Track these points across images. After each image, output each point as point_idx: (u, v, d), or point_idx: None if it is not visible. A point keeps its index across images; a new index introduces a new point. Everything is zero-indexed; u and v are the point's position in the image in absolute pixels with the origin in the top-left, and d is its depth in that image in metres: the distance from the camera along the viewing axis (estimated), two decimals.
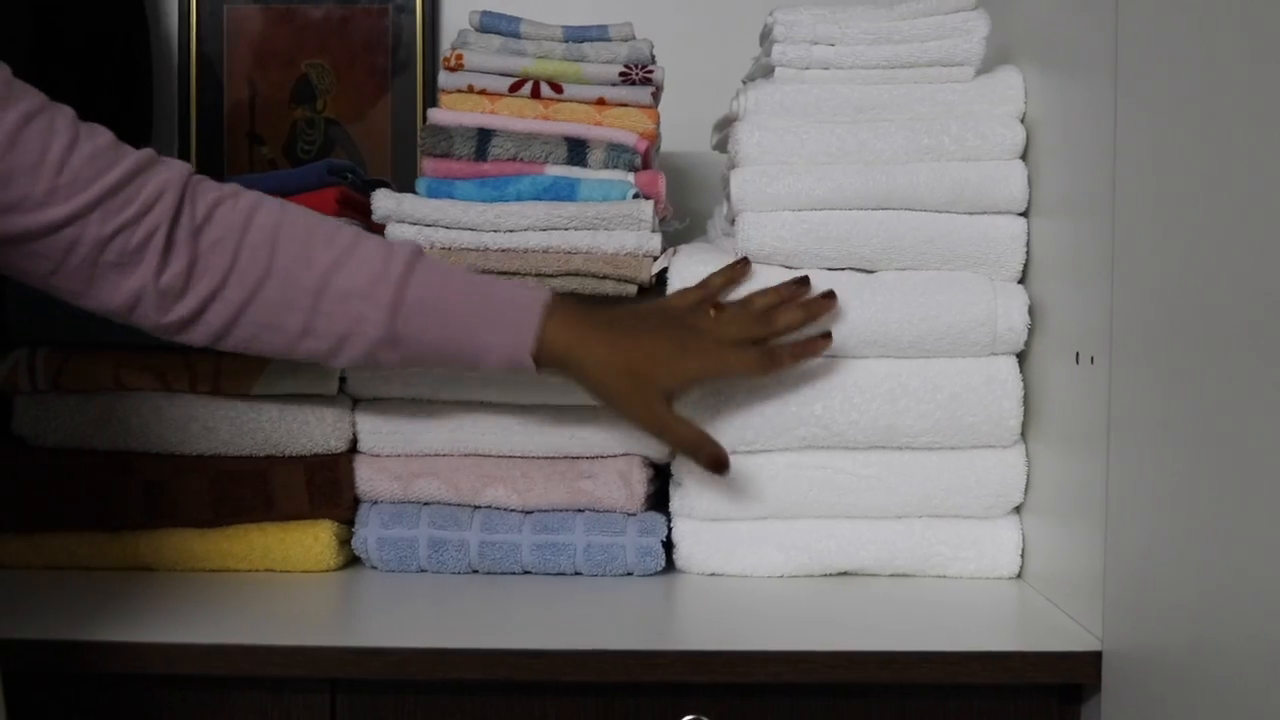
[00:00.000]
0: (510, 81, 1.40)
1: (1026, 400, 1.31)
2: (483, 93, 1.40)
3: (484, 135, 1.38)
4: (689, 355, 1.23)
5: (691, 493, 1.32)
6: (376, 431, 1.35)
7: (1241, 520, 0.87)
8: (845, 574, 1.34)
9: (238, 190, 1.17)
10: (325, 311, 1.15)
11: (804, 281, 1.28)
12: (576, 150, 1.38)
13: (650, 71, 1.40)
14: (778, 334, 1.26)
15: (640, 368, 1.21)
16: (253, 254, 1.13)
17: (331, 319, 1.15)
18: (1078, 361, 1.18)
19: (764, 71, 1.38)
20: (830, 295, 1.27)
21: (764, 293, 1.28)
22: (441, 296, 1.18)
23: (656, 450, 1.34)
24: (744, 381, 1.29)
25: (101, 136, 1.08)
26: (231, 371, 1.33)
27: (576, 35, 1.42)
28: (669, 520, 1.35)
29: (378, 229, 1.38)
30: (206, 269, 1.12)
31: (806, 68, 1.34)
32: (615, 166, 1.38)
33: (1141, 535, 1.04)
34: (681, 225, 1.49)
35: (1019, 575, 1.33)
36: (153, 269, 1.10)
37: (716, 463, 1.24)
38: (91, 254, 1.07)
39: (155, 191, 1.09)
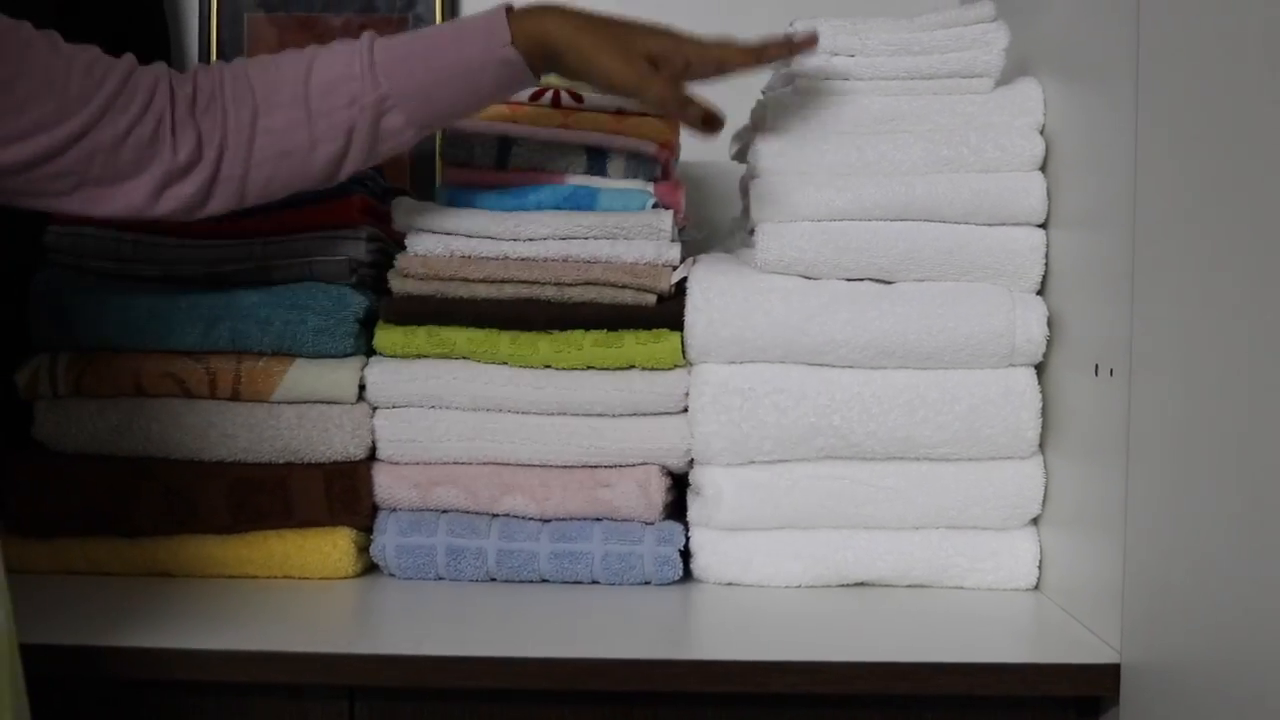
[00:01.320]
0: (531, 91, 1.40)
1: (1045, 412, 1.31)
2: (503, 101, 1.40)
3: (504, 144, 1.39)
4: (670, 31, 1.24)
5: (710, 502, 1.32)
6: (395, 439, 1.35)
7: (1262, 533, 0.87)
8: (862, 584, 1.34)
9: (205, 65, 1.24)
10: (320, 111, 1.20)
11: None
12: (596, 160, 1.38)
13: None
14: (764, 48, 1.26)
15: (618, 28, 1.23)
16: (236, 100, 1.19)
17: (330, 115, 1.20)
18: (1097, 374, 1.18)
19: (784, 82, 1.39)
20: (814, 38, 1.29)
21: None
22: (412, 42, 1.23)
23: (675, 460, 1.34)
24: None
25: (90, 50, 1.14)
26: (250, 377, 1.33)
27: None
28: (687, 529, 1.35)
29: (398, 237, 1.39)
30: (210, 132, 1.18)
31: (826, 79, 1.34)
32: (635, 176, 1.38)
33: (1160, 548, 1.04)
34: (700, 235, 1.50)
35: (1036, 587, 1.33)
36: (169, 150, 1.16)
37: (707, 122, 1.23)
38: (111, 156, 1.13)
39: (149, 86, 1.16)
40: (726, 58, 1.24)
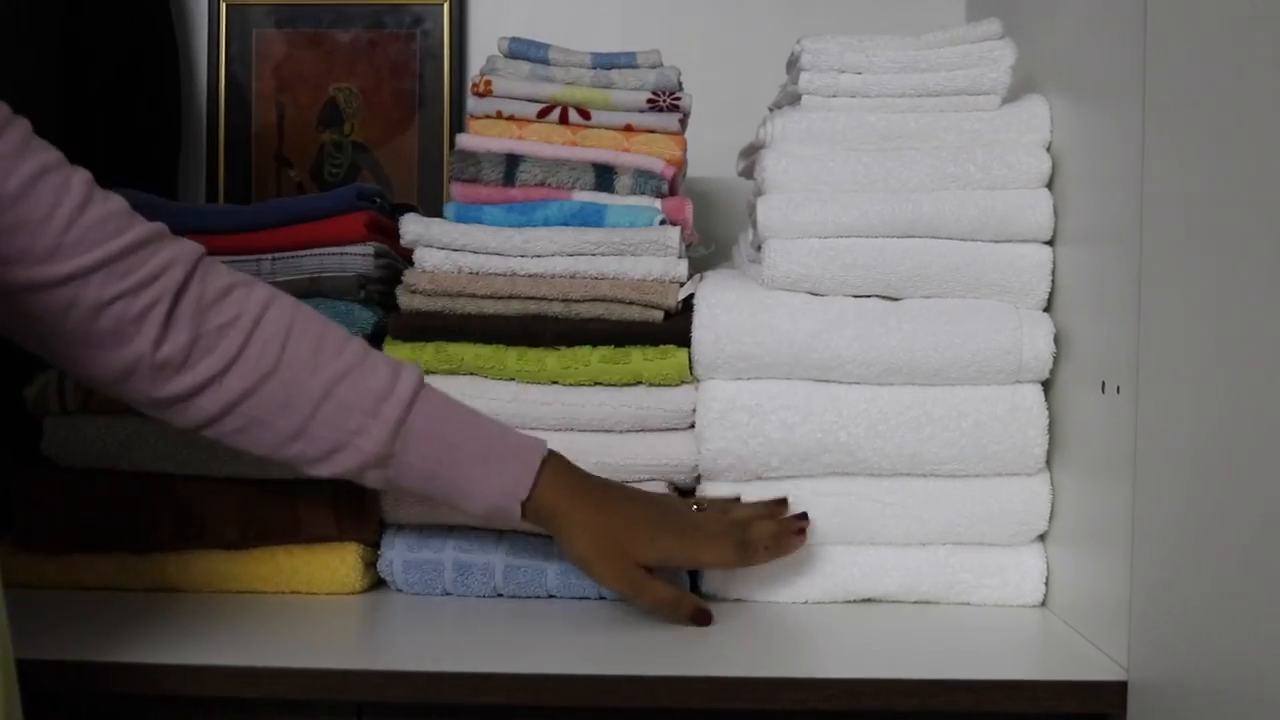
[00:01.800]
0: (538, 107, 1.41)
1: (1052, 429, 1.31)
2: (511, 118, 1.41)
3: (512, 161, 1.39)
4: (668, 533, 1.24)
5: None
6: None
7: (1269, 550, 0.87)
8: (869, 601, 1.34)
9: (252, 280, 1.16)
10: (324, 418, 1.14)
11: (782, 502, 1.30)
12: (604, 176, 1.39)
13: (678, 98, 1.41)
14: (751, 541, 1.25)
15: (620, 535, 1.22)
16: (263, 346, 1.13)
17: (329, 427, 1.15)
18: (1103, 391, 1.18)
19: (791, 99, 1.39)
20: (804, 518, 1.27)
21: (744, 505, 1.30)
22: (445, 428, 1.19)
23: (682, 476, 1.34)
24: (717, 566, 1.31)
25: (115, 202, 1.08)
26: None
27: (605, 62, 1.43)
28: None
29: (405, 253, 1.39)
30: (210, 350, 1.11)
31: (833, 95, 1.34)
32: (642, 192, 1.39)
33: (1167, 564, 1.04)
34: (708, 251, 1.50)
35: (1043, 603, 1.33)
36: (150, 340, 1.08)
37: (699, 615, 1.24)
38: (88, 317, 1.06)
39: (162, 264, 1.09)
40: (718, 562, 1.27)
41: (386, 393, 1.16)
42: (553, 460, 1.22)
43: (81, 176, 1.07)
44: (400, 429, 1.16)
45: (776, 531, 1.26)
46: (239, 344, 1.12)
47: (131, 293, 1.07)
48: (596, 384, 1.33)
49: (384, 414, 1.15)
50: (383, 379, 1.16)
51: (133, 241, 1.07)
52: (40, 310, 1.05)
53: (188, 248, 1.12)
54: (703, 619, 1.24)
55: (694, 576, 1.34)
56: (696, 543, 1.25)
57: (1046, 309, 1.33)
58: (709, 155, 1.58)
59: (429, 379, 1.32)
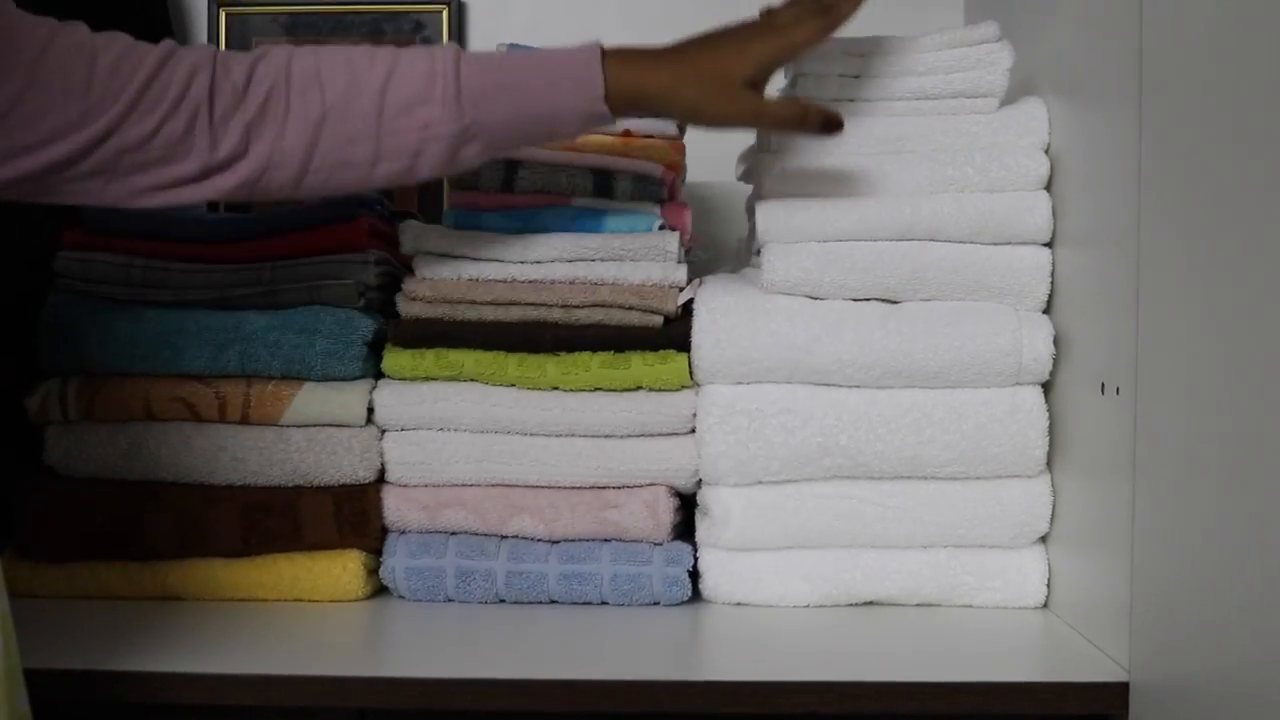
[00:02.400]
0: None
1: (1052, 431, 1.31)
2: None
3: (511, 167, 1.39)
4: (750, 37, 1.22)
5: (717, 523, 1.32)
6: (404, 462, 1.35)
7: (1269, 550, 0.88)
8: (871, 604, 1.34)
9: (266, 49, 1.17)
10: (391, 130, 1.16)
11: None
12: (602, 182, 1.39)
13: None
14: (837, 11, 1.22)
15: (711, 67, 1.20)
16: (303, 99, 1.14)
17: (399, 135, 1.16)
18: (1103, 392, 1.18)
19: None
20: None
21: None
22: (500, 75, 1.18)
23: (683, 481, 1.34)
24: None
25: (119, 40, 1.10)
26: (260, 401, 1.34)
27: None
28: (695, 550, 1.35)
29: (405, 260, 1.40)
30: (262, 129, 1.14)
31: (832, 99, 1.34)
32: (641, 198, 1.39)
33: (1168, 565, 1.04)
34: (707, 256, 1.50)
35: (1045, 605, 1.33)
36: (206, 146, 1.12)
37: (829, 122, 1.23)
38: (141, 154, 1.10)
39: (185, 76, 1.11)
40: (810, 39, 1.22)
41: (431, 75, 1.16)
42: (613, 51, 1.20)
43: (80, 33, 1.08)
44: (460, 98, 1.16)
45: None
46: (282, 109, 1.14)
47: (169, 115, 1.10)
48: (597, 389, 1.33)
49: (439, 93, 1.16)
50: (421, 67, 1.16)
51: (150, 70, 1.09)
52: (93, 168, 1.08)
53: (200, 51, 1.14)
54: (835, 125, 1.23)
55: (694, 581, 1.34)
56: (782, 32, 1.22)
57: (1046, 311, 1.33)
58: (708, 159, 1.58)
59: (428, 385, 1.33)
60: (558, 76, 1.18)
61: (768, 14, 1.24)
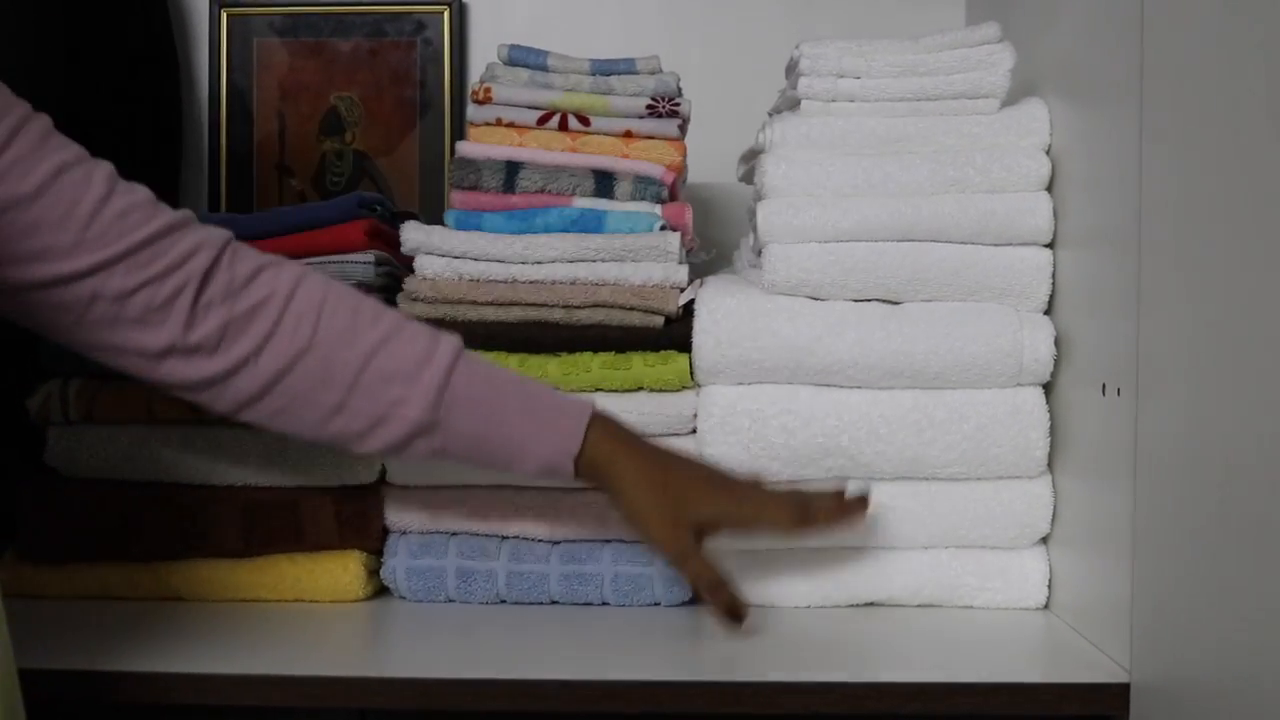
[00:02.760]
0: (538, 114, 1.41)
1: (1053, 431, 1.31)
2: (511, 125, 1.41)
3: (512, 168, 1.39)
4: (725, 490, 1.22)
5: None
6: (405, 463, 1.35)
7: (1270, 551, 0.87)
8: (871, 604, 1.34)
9: (282, 260, 1.14)
10: (364, 390, 1.11)
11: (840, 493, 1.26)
12: (604, 182, 1.39)
13: (677, 104, 1.41)
14: (811, 506, 1.22)
15: (676, 489, 1.19)
16: (296, 323, 1.10)
17: (370, 399, 1.12)
18: (1104, 393, 1.18)
19: (790, 104, 1.39)
20: (865, 500, 1.24)
21: (804, 486, 1.27)
22: (488, 390, 1.16)
23: None
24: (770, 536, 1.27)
25: (138, 193, 1.07)
26: None
27: (604, 68, 1.43)
28: None
29: (406, 261, 1.39)
30: (243, 332, 1.09)
31: (832, 100, 1.35)
32: (642, 198, 1.39)
33: (1169, 567, 1.04)
34: (708, 257, 1.50)
35: (1046, 606, 1.33)
36: (180, 325, 1.06)
37: (733, 611, 1.19)
38: (114, 308, 1.05)
39: (188, 249, 1.07)
40: (776, 523, 1.22)
41: (426, 359, 1.13)
42: (602, 417, 1.19)
43: (103, 170, 1.05)
44: (443, 394, 1.13)
45: (838, 502, 1.23)
46: (271, 322, 1.09)
47: (156, 280, 1.05)
48: (598, 390, 1.33)
49: (425, 380, 1.12)
50: (421, 346, 1.14)
51: (156, 230, 1.06)
52: (66, 301, 1.04)
53: (215, 233, 1.10)
54: (737, 613, 1.19)
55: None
56: (755, 502, 1.22)
57: (1047, 312, 1.33)
58: (709, 161, 1.58)
59: None
60: (541, 419, 1.17)
61: (754, 485, 1.24)
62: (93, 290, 1.04)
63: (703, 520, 1.20)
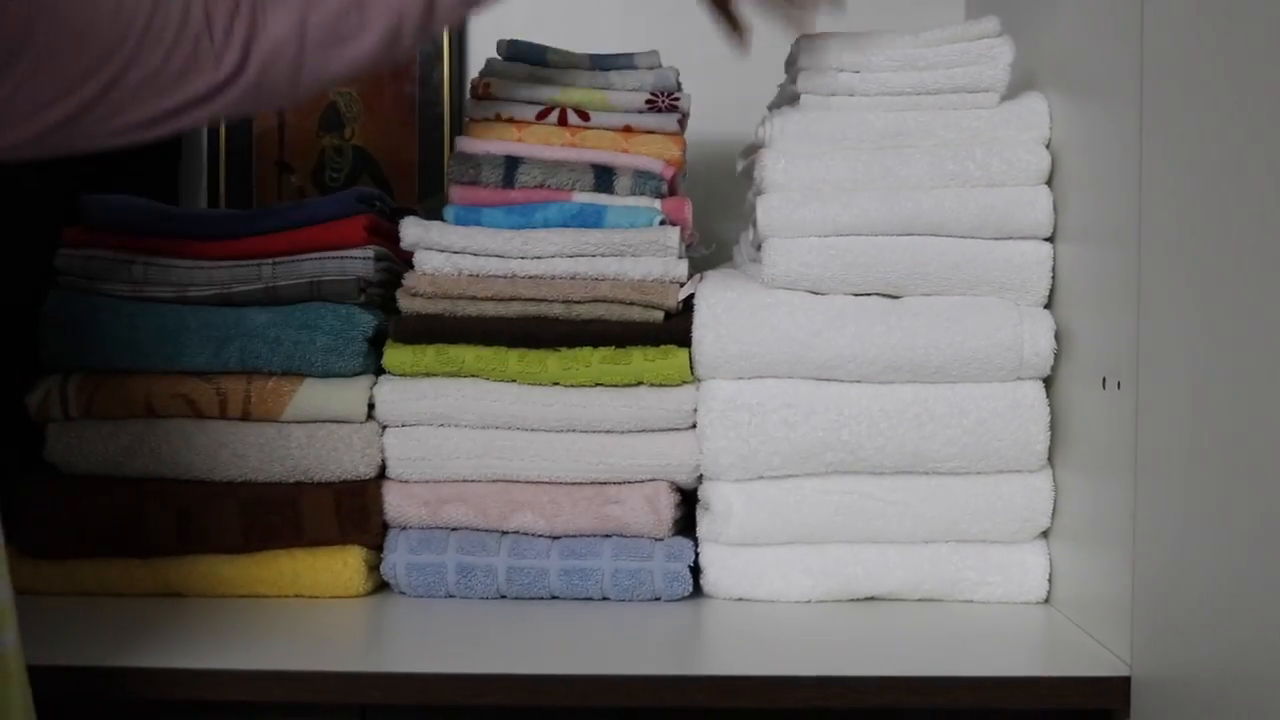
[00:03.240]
0: (537, 109, 1.41)
1: (1053, 425, 1.31)
2: (510, 121, 1.41)
3: (511, 163, 1.39)
4: None
5: (719, 518, 1.32)
6: (405, 458, 1.35)
7: (1270, 545, 0.87)
8: (872, 599, 1.34)
9: None
10: None
11: None
12: (603, 177, 1.39)
13: (676, 99, 1.41)
14: None
15: None
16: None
17: None
18: (1104, 387, 1.18)
19: (789, 98, 1.39)
20: None
21: None
22: None
23: (684, 476, 1.34)
24: None
25: None
26: (261, 397, 1.34)
27: (603, 63, 1.43)
28: (696, 545, 1.35)
29: (405, 256, 1.39)
30: (255, 28, 1.15)
31: (832, 94, 1.34)
32: (642, 193, 1.39)
33: (1170, 560, 1.04)
34: (708, 251, 1.50)
35: (1046, 600, 1.33)
36: (211, 66, 1.13)
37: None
38: (151, 84, 1.11)
39: (183, 5, 1.12)
40: None
41: None
42: None
43: None
44: None
45: None
46: (266, 15, 1.17)
47: (174, 45, 1.11)
48: (598, 385, 1.33)
49: None
50: None
51: (150, 6, 1.11)
52: (114, 106, 1.10)
53: None
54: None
55: (695, 576, 1.34)
56: None
57: (1047, 306, 1.33)
58: (708, 155, 1.58)
59: (429, 381, 1.33)
60: None
61: None
62: (134, 82, 1.10)
63: None
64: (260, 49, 1.16)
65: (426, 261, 1.36)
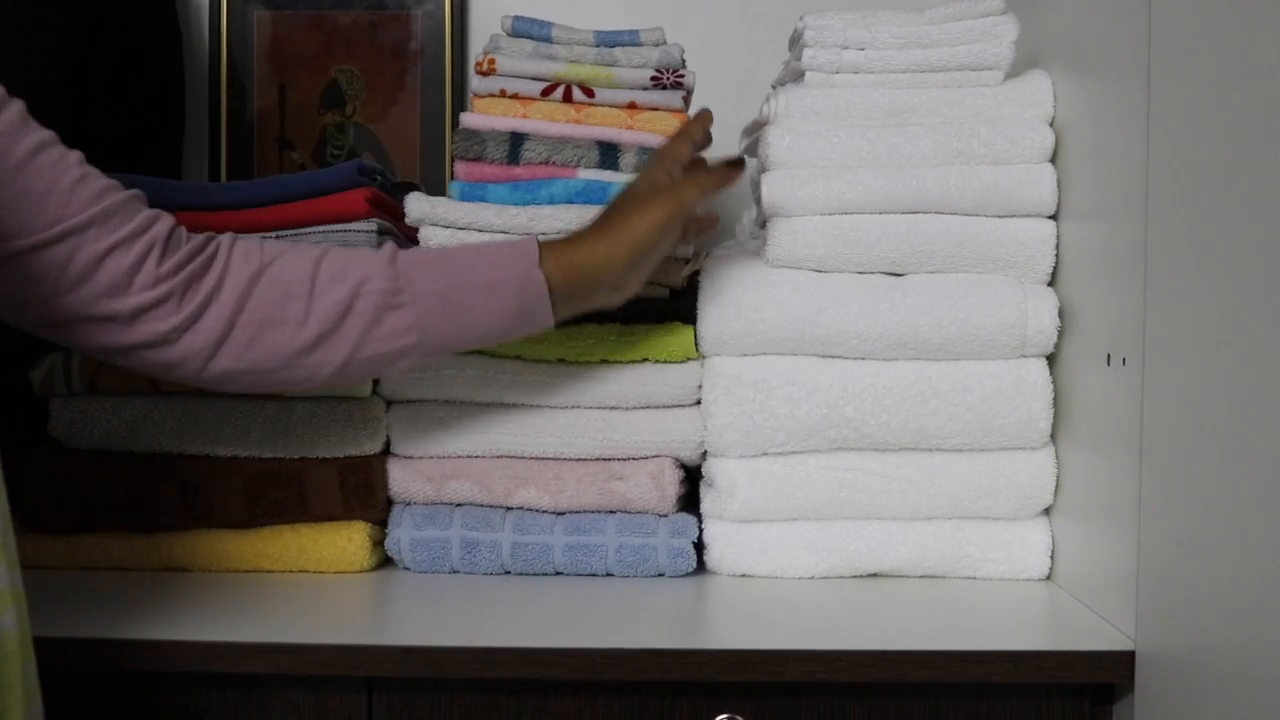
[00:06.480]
0: (542, 86, 1.41)
1: (1057, 402, 1.31)
2: (515, 97, 1.41)
3: (516, 139, 1.39)
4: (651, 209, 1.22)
5: (723, 494, 1.32)
6: (409, 434, 1.35)
7: (1275, 519, 0.88)
8: (875, 575, 1.34)
9: (215, 233, 1.19)
10: (324, 289, 1.15)
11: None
12: (608, 154, 1.39)
13: (681, 76, 1.41)
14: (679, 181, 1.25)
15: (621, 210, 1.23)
16: (245, 253, 1.15)
17: (331, 294, 1.15)
18: (1109, 363, 1.18)
19: (794, 76, 1.39)
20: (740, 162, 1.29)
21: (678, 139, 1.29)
22: (436, 254, 1.22)
23: (688, 452, 1.35)
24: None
25: (105, 179, 1.11)
26: None
27: (608, 40, 1.43)
28: (700, 522, 1.35)
29: (408, 232, 1.39)
30: (203, 275, 1.13)
31: (836, 72, 1.35)
32: None
33: (1175, 535, 1.05)
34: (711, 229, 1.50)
35: (1048, 577, 1.34)
36: (149, 283, 1.10)
37: (728, 167, 1.26)
38: (88, 270, 1.08)
39: (150, 216, 1.12)
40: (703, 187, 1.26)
41: (369, 252, 1.19)
42: (546, 243, 1.21)
43: (76, 154, 1.09)
44: (395, 263, 1.17)
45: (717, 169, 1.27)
46: (224, 261, 1.15)
47: (125, 242, 1.09)
48: (602, 361, 1.33)
49: (373, 260, 1.17)
50: (360, 249, 1.21)
51: (124, 199, 1.10)
52: (40, 272, 1.07)
53: (164, 213, 1.15)
54: (735, 167, 1.27)
55: (699, 553, 1.34)
56: (685, 185, 1.24)
57: (1051, 283, 1.33)
58: (713, 132, 1.58)
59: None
60: (492, 250, 1.21)
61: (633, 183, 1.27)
62: (68, 253, 1.07)
63: (650, 187, 1.24)
64: (199, 298, 1.13)
65: (432, 237, 1.36)
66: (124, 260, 1.09)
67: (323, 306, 1.15)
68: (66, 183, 1.06)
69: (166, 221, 1.13)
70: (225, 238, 1.17)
